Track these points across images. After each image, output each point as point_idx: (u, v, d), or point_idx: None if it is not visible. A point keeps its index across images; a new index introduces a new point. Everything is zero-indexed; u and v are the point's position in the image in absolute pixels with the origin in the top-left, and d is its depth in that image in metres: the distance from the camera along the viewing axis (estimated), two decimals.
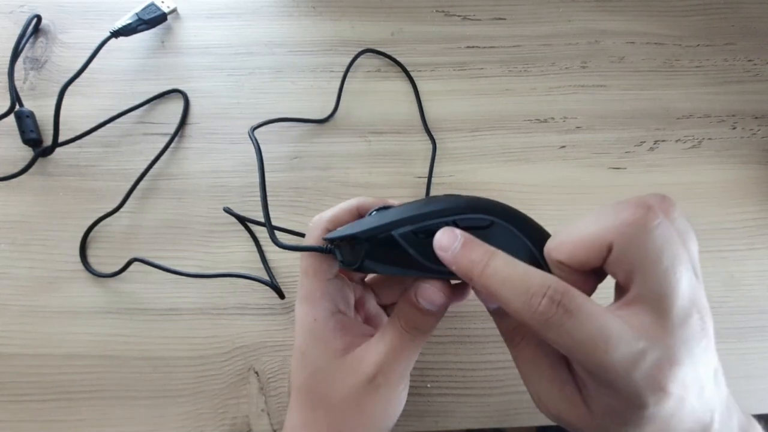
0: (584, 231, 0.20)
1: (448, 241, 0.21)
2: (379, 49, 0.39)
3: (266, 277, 0.33)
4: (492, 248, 0.21)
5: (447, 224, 0.22)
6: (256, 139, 0.28)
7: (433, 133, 0.37)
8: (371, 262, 0.22)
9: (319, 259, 0.25)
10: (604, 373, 0.18)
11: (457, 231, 0.21)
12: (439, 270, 0.22)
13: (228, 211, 0.34)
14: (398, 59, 0.39)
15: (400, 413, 0.25)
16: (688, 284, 0.19)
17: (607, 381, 0.19)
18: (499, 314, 0.24)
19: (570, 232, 0.21)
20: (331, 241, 0.24)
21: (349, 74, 0.39)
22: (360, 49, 0.39)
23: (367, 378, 0.23)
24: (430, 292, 0.23)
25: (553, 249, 0.22)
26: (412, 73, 0.39)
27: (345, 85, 0.38)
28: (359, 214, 0.26)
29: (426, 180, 0.36)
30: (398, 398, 0.25)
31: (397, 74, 0.39)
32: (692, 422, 0.19)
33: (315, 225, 0.25)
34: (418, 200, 0.24)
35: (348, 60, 0.38)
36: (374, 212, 0.25)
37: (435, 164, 0.36)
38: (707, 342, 0.19)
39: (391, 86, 0.39)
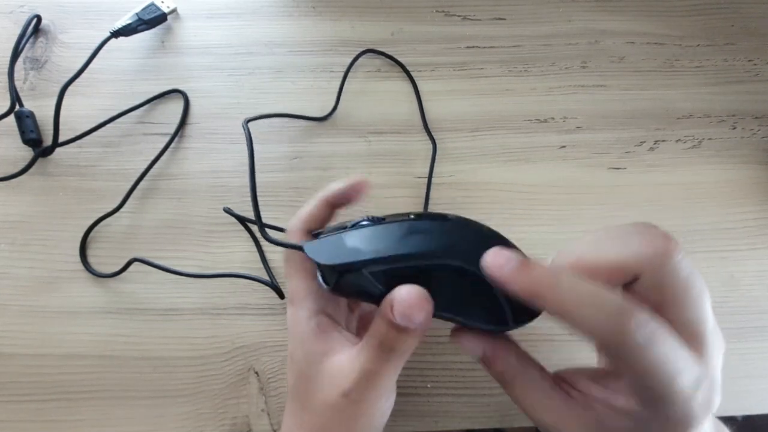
0: (607, 254, 0.20)
1: (503, 258, 0.20)
2: (379, 49, 0.39)
3: (266, 277, 0.33)
4: (555, 266, 0.20)
5: (419, 268, 0.22)
6: (248, 131, 0.27)
7: (433, 133, 0.37)
8: (340, 290, 0.23)
9: (301, 259, 0.25)
10: (669, 397, 0.18)
11: (505, 251, 0.21)
12: None
13: (228, 211, 0.34)
14: (399, 59, 0.39)
15: (384, 423, 0.25)
16: (710, 311, 0.20)
17: (666, 403, 0.18)
18: (488, 362, 0.23)
19: (588, 252, 0.21)
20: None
21: (350, 74, 0.38)
22: (361, 49, 0.39)
23: (343, 392, 0.22)
24: (407, 305, 0.20)
25: (569, 266, 0.21)
26: (412, 74, 0.39)
27: (345, 85, 0.38)
28: (333, 204, 0.26)
29: (426, 180, 0.36)
30: (379, 411, 0.24)
31: (397, 74, 0.39)
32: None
33: (291, 228, 0.25)
34: (401, 224, 0.23)
35: (348, 60, 0.38)
36: (366, 222, 0.24)
37: (435, 164, 0.36)
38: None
39: (392, 86, 0.39)
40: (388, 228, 0.23)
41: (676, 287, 0.19)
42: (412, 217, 0.24)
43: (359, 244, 0.22)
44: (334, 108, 0.38)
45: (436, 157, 0.37)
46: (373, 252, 0.22)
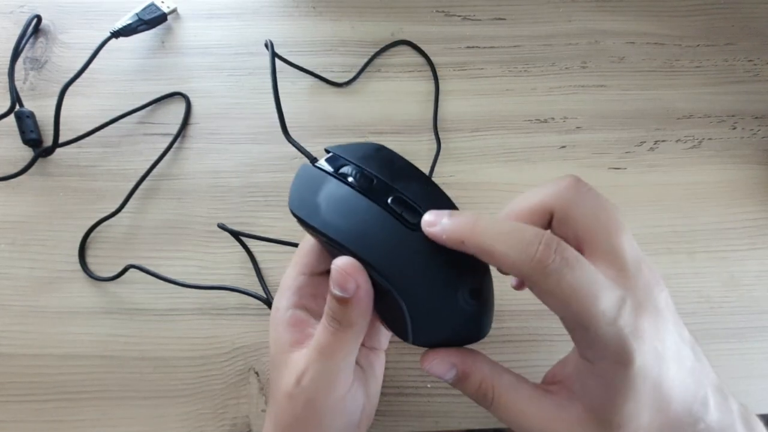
0: (526, 200, 0.22)
1: (435, 217, 0.21)
2: (416, 44, 0.39)
3: (260, 292, 0.33)
4: (476, 212, 0.21)
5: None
6: (273, 49, 0.28)
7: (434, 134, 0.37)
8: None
9: (303, 252, 0.26)
10: (595, 322, 0.18)
11: (439, 211, 0.21)
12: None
13: (222, 227, 0.33)
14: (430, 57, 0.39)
15: (348, 422, 0.24)
16: (627, 237, 0.20)
17: (596, 332, 0.18)
18: (463, 378, 0.22)
19: (514, 202, 0.23)
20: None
21: (349, 75, 0.39)
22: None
23: (297, 377, 0.22)
24: (339, 275, 0.21)
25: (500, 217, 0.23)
26: (411, 73, 0.39)
27: (345, 86, 0.38)
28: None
29: None
30: (332, 402, 0.22)
31: (398, 74, 0.39)
32: (683, 392, 0.19)
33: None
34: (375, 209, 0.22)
35: (348, 60, 0.39)
36: (351, 180, 0.23)
37: (436, 164, 0.36)
38: (666, 296, 0.20)
39: (393, 86, 0.39)
40: (359, 205, 0.22)
41: (584, 216, 0.20)
42: (396, 192, 0.23)
43: (332, 210, 0.22)
44: (357, 76, 0.38)
45: (438, 157, 0.37)
46: (334, 231, 0.22)
